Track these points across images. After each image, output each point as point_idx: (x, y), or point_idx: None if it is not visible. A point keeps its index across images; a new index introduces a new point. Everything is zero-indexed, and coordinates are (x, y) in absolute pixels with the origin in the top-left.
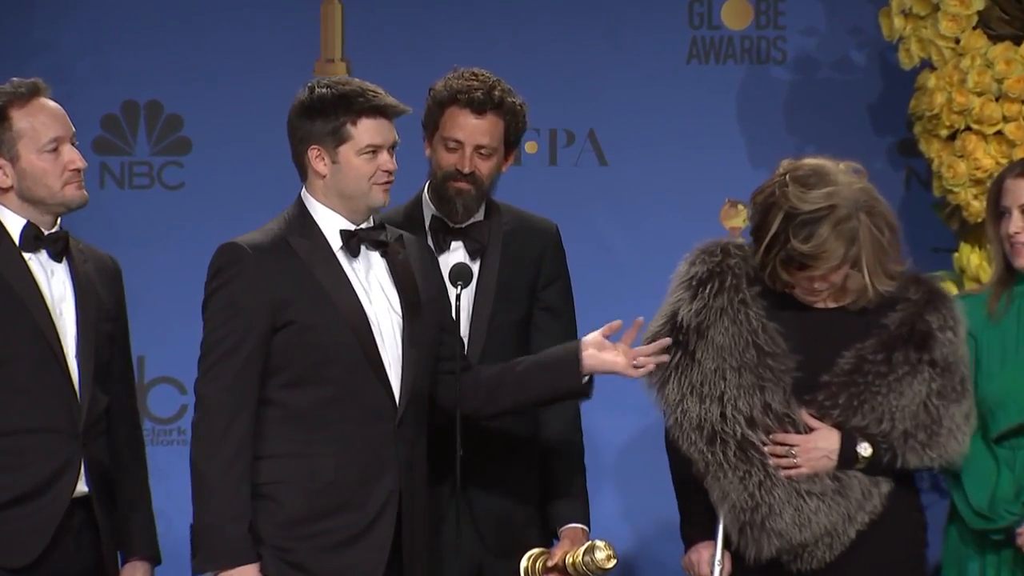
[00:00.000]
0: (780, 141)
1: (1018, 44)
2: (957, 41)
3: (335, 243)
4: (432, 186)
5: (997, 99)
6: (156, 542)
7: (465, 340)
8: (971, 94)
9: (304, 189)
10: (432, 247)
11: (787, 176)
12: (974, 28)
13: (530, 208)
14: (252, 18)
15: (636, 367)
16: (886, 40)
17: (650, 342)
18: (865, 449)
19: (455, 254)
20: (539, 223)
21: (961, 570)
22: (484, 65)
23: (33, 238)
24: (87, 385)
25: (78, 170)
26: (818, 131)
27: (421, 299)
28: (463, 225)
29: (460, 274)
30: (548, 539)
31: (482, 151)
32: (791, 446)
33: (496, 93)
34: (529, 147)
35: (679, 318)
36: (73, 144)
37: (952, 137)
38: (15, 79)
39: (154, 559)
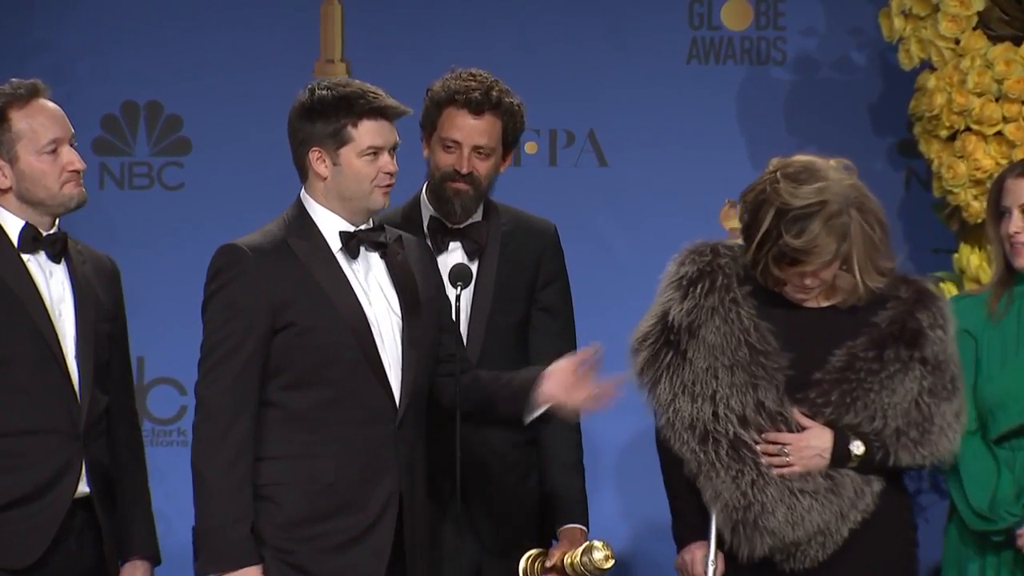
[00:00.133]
0: (780, 142)
1: (1018, 45)
2: (957, 42)
3: (334, 244)
4: (430, 187)
5: (997, 100)
6: (156, 542)
7: (464, 340)
8: (971, 95)
9: (303, 190)
10: (430, 248)
11: (778, 173)
12: (974, 29)
13: (530, 209)
14: (252, 18)
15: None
16: (886, 41)
17: (641, 342)
18: (858, 447)
19: (453, 255)
20: (537, 223)
21: (961, 571)
22: (484, 65)
23: (32, 239)
24: (87, 386)
25: (77, 171)
26: (818, 132)
27: (421, 300)
28: (461, 226)
29: (460, 275)
30: (547, 539)
31: (480, 151)
32: (783, 445)
33: (494, 94)
34: (529, 147)
35: (670, 318)
36: (72, 145)
37: (952, 138)
38: (14, 80)
39: (154, 559)
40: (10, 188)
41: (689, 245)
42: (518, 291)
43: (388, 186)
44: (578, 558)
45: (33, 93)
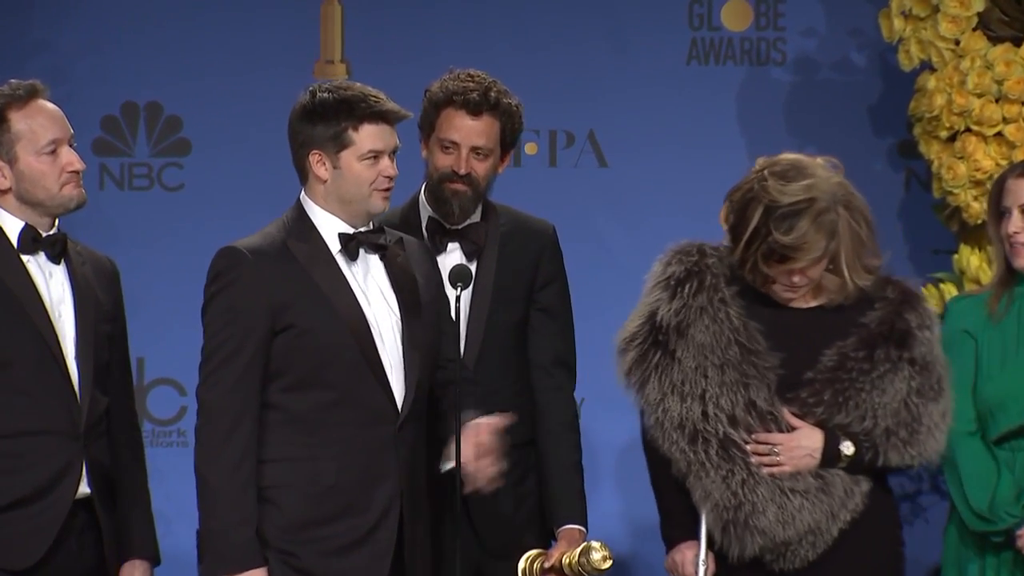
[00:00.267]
0: (780, 142)
1: (1018, 45)
2: (957, 42)
3: (334, 247)
4: (428, 187)
5: (997, 100)
6: (156, 542)
7: (462, 341)
8: (971, 95)
9: (303, 193)
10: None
11: (765, 171)
12: (974, 29)
13: (530, 209)
14: (252, 19)
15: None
16: (886, 41)
17: (628, 342)
18: (848, 447)
19: (452, 255)
20: (536, 224)
21: (961, 572)
22: (484, 66)
23: (31, 240)
24: (87, 387)
25: (76, 172)
26: (818, 132)
27: (421, 301)
28: (460, 226)
29: (460, 276)
30: (546, 540)
31: (478, 152)
32: (774, 445)
33: (492, 94)
34: (529, 148)
35: (658, 318)
36: (72, 146)
37: (952, 138)
38: (13, 81)
39: (153, 559)
40: (9, 189)
41: (674, 245)
42: (517, 292)
43: (387, 190)
44: (576, 558)
45: (32, 94)
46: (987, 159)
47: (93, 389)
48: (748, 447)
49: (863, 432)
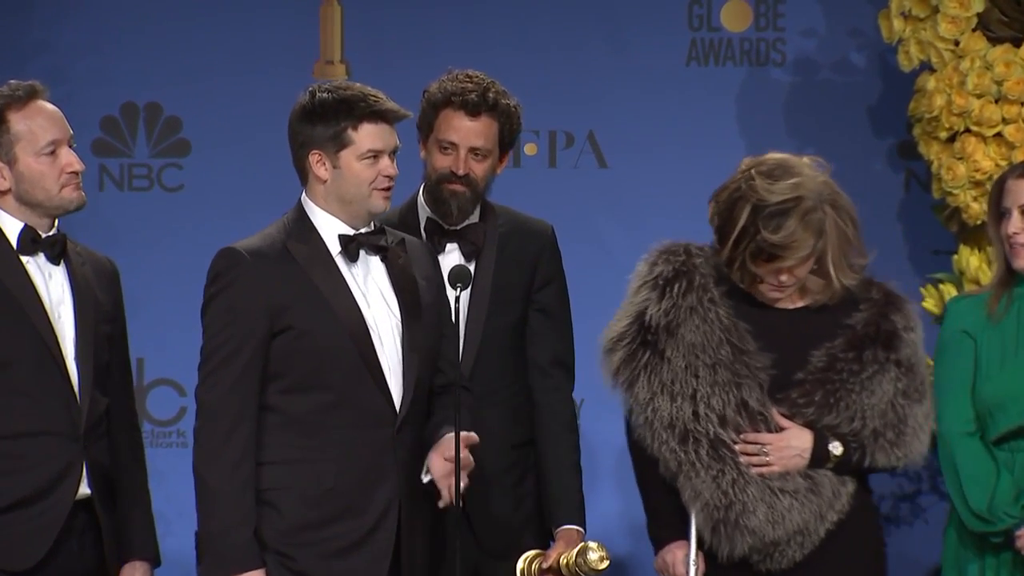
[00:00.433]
0: (780, 143)
1: (1017, 46)
2: (956, 43)
3: (334, 248)
4: (427, 188)
5: (996, 101)
6: (156, 543)
7: (461, 342)
8: (970, 96)
9: (304, 194)
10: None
11: (752, 171)
12: (973, 30)
13: (530, 210)
14: (251, 20)
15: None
16: (885, 42)
17: (616, 342)
18: (836, 448)
19: (450, 256)
20: (534, 225)
21: (961, 573)
22: (483, 67)
23: (31, 241)
24: (87, 387)
25: (76, 173)
26: (817, 133)
27: (422, 303)
28: (458, 227)
29: (459, 276)
30: (544, 540)
31: (477, 153)
32: (763, 444)
33: (490, 95)
34: (528, 149)
35: (647, 317)
36: (71, 147)
37: (951, 139)
38: (13, 81)
39: (154, 560)
40: (9, 190)
41: (659, 245)
42: (515, 292)
43: (388, 189)
44: (573, 559)
45: (32, 94)
46: (987, 160)
47: (93, 390)
48: (737, 447)
49: (851, 433)
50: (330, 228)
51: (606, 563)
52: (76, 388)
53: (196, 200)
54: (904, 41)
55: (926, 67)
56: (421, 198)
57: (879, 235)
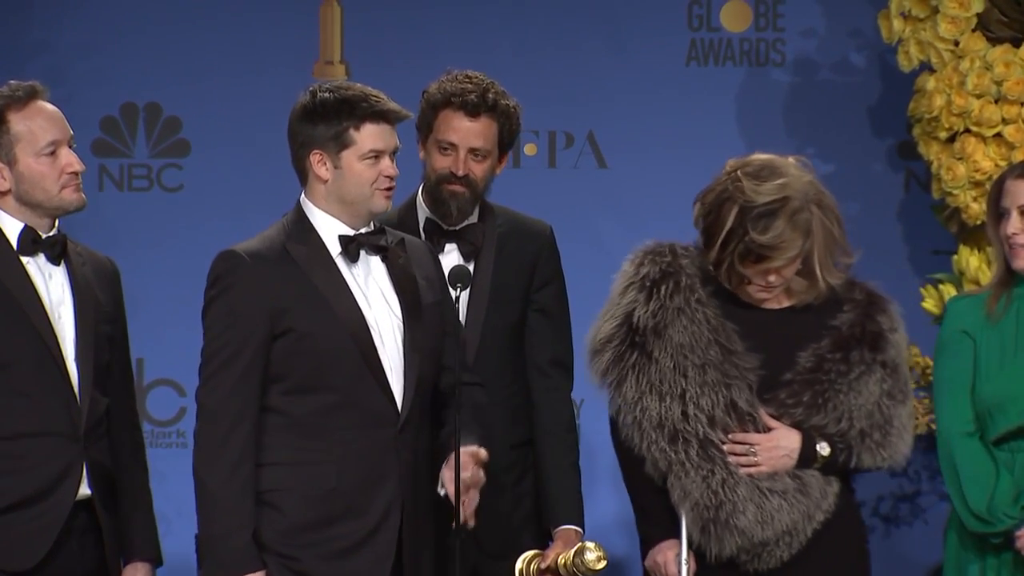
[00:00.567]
0: (779, 143)
1: (1017, 46)
2: (956, 43)
3: (334, 249)
4: (426, 189)
5: (996, 101)
6: (157, 543)
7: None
8: (970, 96)
9: (303, 194)
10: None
11: (738, 172)
12: (973, 30)
13: (529, 210)
14: (251, 20)
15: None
16: (885, 42)
17: (605, 343)
18: (824, 448)
19: (449, 256)
20: (533, 225)
21: (962, 574)
22: (483, 67)
23: (31, 241)
24: (87, 388)
25: (76, 173)
26: (817, 133)
27: (423, 303)
28: (457, 227)
29: (459, 276)
30: (543, 540)
31: (476, 154)
32: (751, 445)
33: (490, 96)
34: (528, 149)
35: (635, 319)
36: (71, 147)
37: (951, 139)
38: (13, 82)
39: (155, 561)
40: (9, 190)
41: (644, 246)
42: (514, 293)
43: (388, 190)
44: (571, 559)
45: (32, 95)
46: (986, 160)
47: (93, 390)
48: (725, 447)
49: (838, 434)
50: (330, 229)
51: (604, 563)
52: (76, 388)
53: (196, 200)
54: (904, 41)
55: (926, 67)
56: (420, 198)
57: (879, 235)
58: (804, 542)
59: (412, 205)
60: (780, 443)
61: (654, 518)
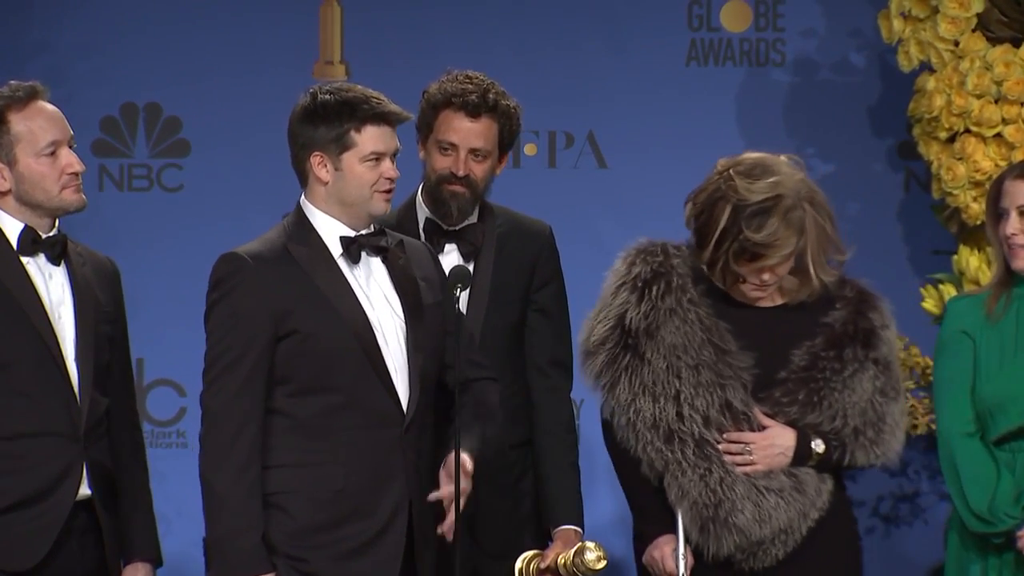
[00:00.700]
0: (779, 143)
1: (1017, 46)
2: (956, 43)
3: (335, 250)
4: (426, 189)
5: (996, 101)
6: (157, 544)
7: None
8: (970, 96)
9: (303, 196)
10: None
11: (730, 171)
12: (973, 30)
13: (529, 210)
14: (251, 20)
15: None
16: (885, 42)
17: (598, 345)
18: (819, 446)
19: (449, 256)
20: (533, 225)
21: (963, 574)
22: (483, 67)
23: (31, 242)
24: (86, 388)
25: (76, 174)
26: (817, 133)
27: (424, 303)
28: (457, 228)
29: (459, 276)
30: (543, 540)
31: (476, 154)
32: (747, 443)
33: (490, 96)
34: (528, 149)
35: (627, 321)
36: (71, 147)
37: (951, 139)
38: (13, 82)
39: (155, 561)
40: (9, 191)
41: (635, 245)
42: (514, 293)
43: (389, 192)
44: (571, 559)
45: (32, 95)
46: (986, 160)
47: (93, 390)
48: (720, 447)
49: (832, 431)
50: (331, 230)
51: (604, 563)
52: (76, 388)
53: (196, 200)
54: (904, 41)
55: (926, 67)
56: (419, 198)
57: (879, 235)
58: (799, 540)
59: (412, 205)
60: (775, 441)
61: (651, 515)
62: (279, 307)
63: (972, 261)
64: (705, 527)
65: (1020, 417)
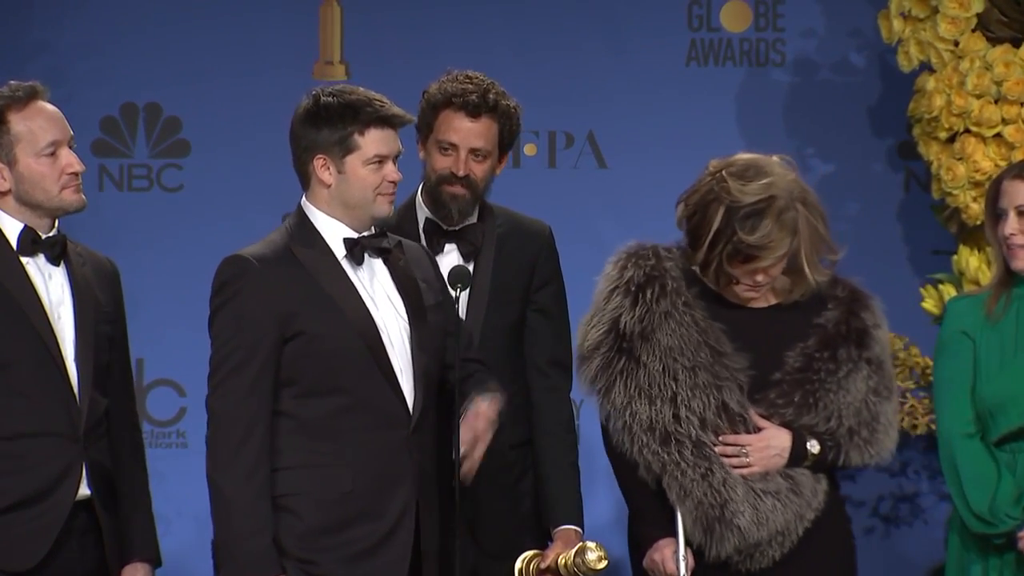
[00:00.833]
0: (779, 143)
1: (1017, 46)
2: (956, 43)
3: (339, 252)
4: (426, 189)
5: (996, 101)
6: (157, 544)
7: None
8: (970, 96)
9: (305, 197)
10: (430, 252)
11: (722, 172)
12: (973, 30)
13: (529, 210)
14: (251, 20)
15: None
16: (885, 42)
17: (593, 350)
18: (814, 446)
19: (449, 256)
20: (532, 225)
21: (964, 574)
22: (483, 67)
23: (31, 242)
24: (86, 388)
25: (76, 174)
26: (817, 133)
27: (425, 304)
28: (457, 228)
29: (459, 276)
30: (543, 540)
31: (477, 154)
32: (743, 445)
33: (491, 96)
34: (528, 149)
35: (621, 325)
36: (71, 147)
37: (951, 139)
38: (13, 82)
39: (155, 561)
40: (9, 191)
41: (625, 248)
42: (513, 293)
43: (391, 194)
44: (571, 559)
45: (32, 95)
46: (986, 160)
47: (92, 391)
48: (716, 449)
49: (827, 432)
50: (334, 232)
51: (604, 563)
52: (76, 389)
53: (196, 200)
54: (904, 41)
55: (926, 67)
56: (419, 199)
57: (879, 235)
58: (795, 541)
59: (412, 205)
60: (771, 443)
61: (650, 518)
62: (285, 309)
63: (972, 261)
64: (711, 527)
65: (1020, 418)
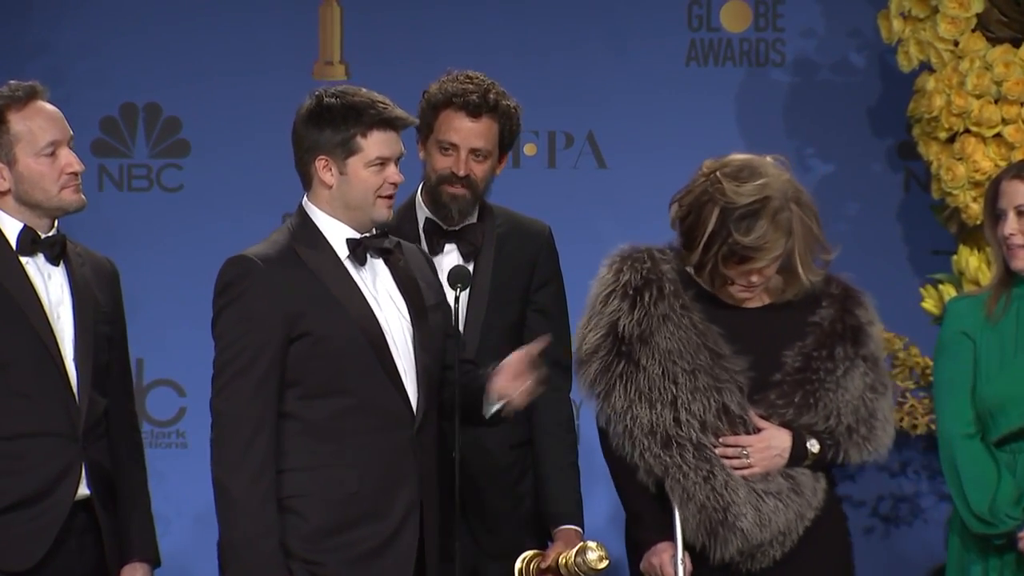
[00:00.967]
0: (779, 143)
1: (1017, 46)
2: (956, 43)
3: (342, 252)
4: (426, 189)
5: (996, 101)
6: (156, 544)
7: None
8: (970, 96)
9: (306, 198)
10: (427, 253)
11: (716, 173)
12: (973, 30)
13: (529, 210)
14: (251, 20)
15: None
16: (885, 42)
17: (591, 354)
18: (814, 446)
19: (449, 256)
20: (532, 225)
21: (964, 574)
22: (483, 67)
23: (30, 242)
24: (85, 388)
25: (75, 174)
26: (817, 133)
27: (425, 305)
28: (457, 228)
29: (459, 276)
30: (543, 540)
31: (477, 154)
32: (743, 447)
33: (491, 96)
34: (528, 149)
35: (620, 328)
36: (71, 147)
37: (951, 139)
38: (12, 82)
39: (154, 561)
40: (8, 191)
41: (620, 250)
42: (513, 293)
43: (391, 196)
44: (572, 559)
45: (31, 95)
46: (986, 160)
47: (92, 391)
48: (717, 451)
49: (826, 431)
50: (336, 232)
51: (605, 563)
52: (75, 389)
53: (196, 200)
54: (904, 41)
55: (926, 67)
56: (419, 199)
57: (879, 235)
58: (796, 540)
59: (412, 205)
60: (772, 443)
61: (648, 522)
62: (291, 309)
63: (972, 261)
64: (714, 531)
65: (1021, 418)
